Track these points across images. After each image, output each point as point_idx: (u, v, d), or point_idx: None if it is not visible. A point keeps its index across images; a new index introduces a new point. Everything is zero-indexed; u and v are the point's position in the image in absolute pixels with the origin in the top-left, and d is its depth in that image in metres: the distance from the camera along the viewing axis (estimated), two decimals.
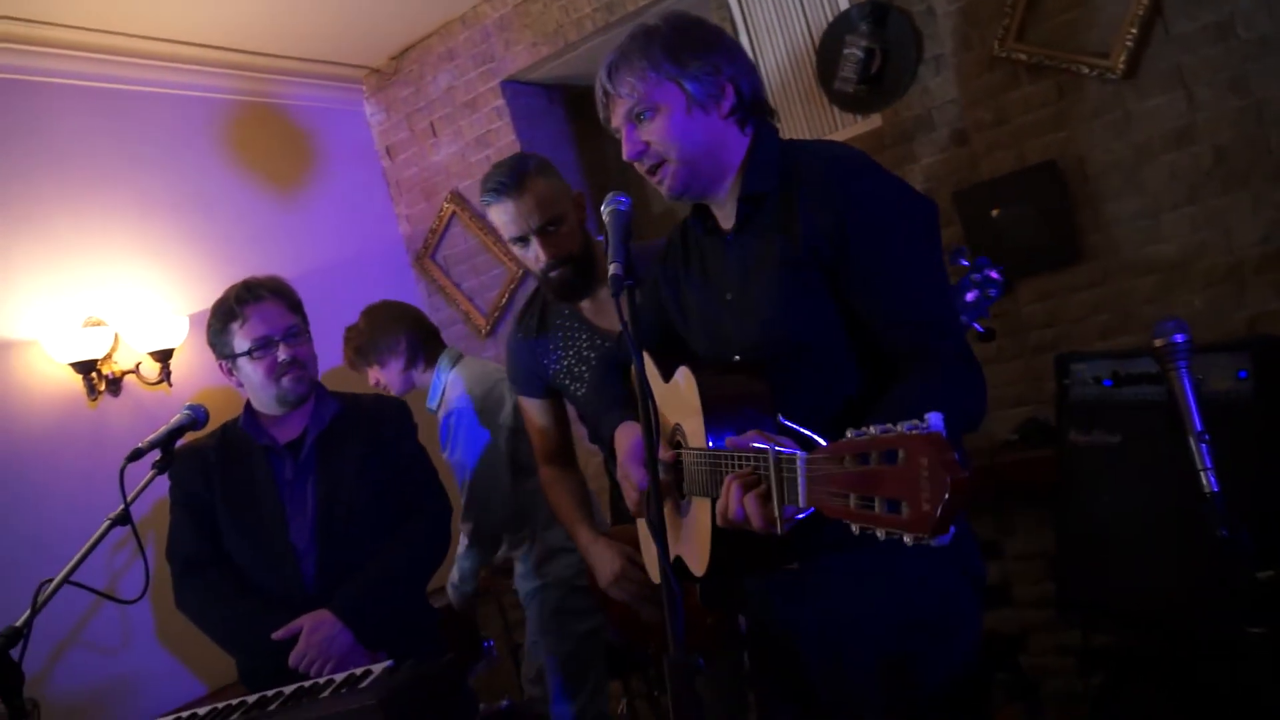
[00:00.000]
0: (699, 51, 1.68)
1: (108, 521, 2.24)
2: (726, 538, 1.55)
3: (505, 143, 4.77)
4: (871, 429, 1.12)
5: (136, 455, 2.35)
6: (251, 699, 2.15)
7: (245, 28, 4.34)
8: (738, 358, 1.73)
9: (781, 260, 1.66)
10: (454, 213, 4.99)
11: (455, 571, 3.41)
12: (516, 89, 4.82)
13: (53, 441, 3.57)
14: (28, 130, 3.78)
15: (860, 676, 1.70)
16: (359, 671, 2.10)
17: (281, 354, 2.49)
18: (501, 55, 4.72)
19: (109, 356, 3.78)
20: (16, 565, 3.22)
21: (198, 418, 2.51)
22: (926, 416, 1.06)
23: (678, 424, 1.74)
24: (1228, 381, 2.32)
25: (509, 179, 2.36)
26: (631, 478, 1.78)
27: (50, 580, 2.12)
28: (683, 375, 1.69)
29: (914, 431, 1.06)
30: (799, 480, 1.26)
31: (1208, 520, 1.80)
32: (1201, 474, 1.82)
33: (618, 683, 3.84)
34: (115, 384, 3.81)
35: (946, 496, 1.00)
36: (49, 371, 3.63)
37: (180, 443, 2.43)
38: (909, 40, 3.59)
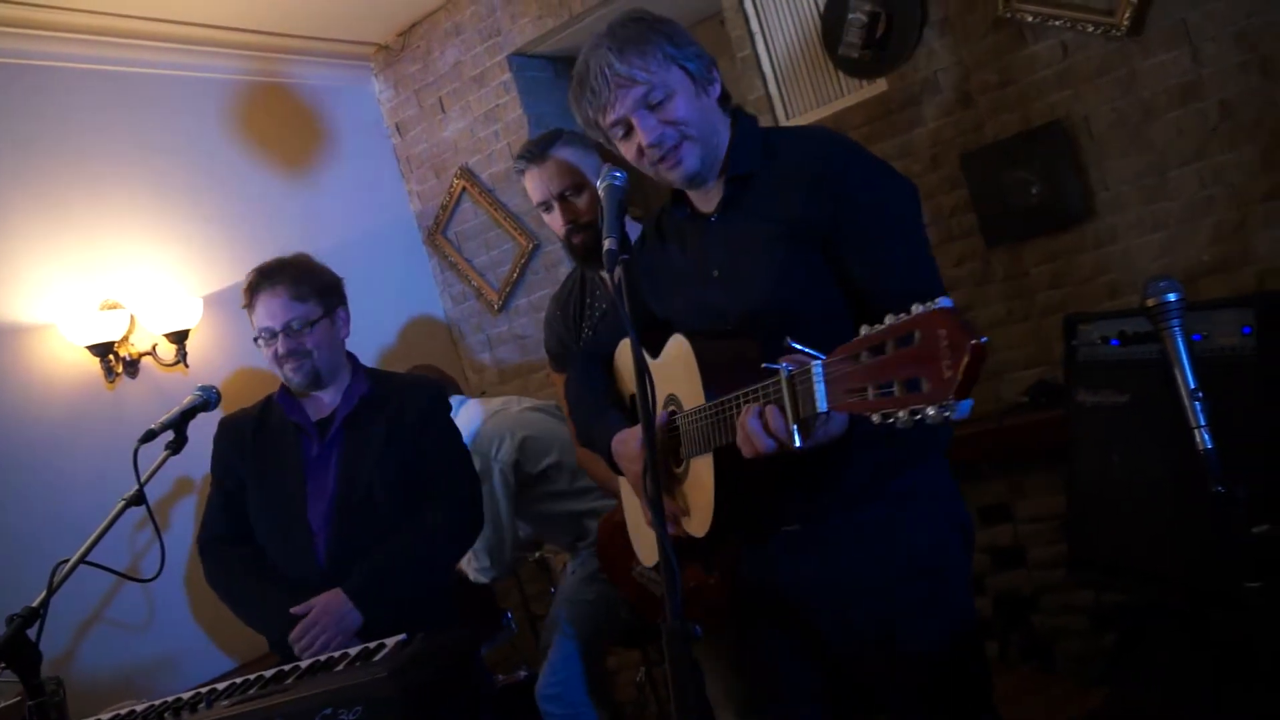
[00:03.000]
0: (685, 37, 1.74)
1: (122, 502, 2.29)
2: (731, 489, 1.60)
3: (513, 117, 4.77)
4: (886, 319, 1.19)
5: (150, 436, 2.40)
6: (269, 673, 2.19)
7: (253, 7, 4.35)
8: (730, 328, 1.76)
9: (776, 234, 1.71)
10: (464, 188, 5.00)
11: (472, 569, 3.44)
12: (523, 62, 4.81)
13: (71, 424, 3.63)
14: (41, 115, 3.82)
15: (869, 628, 1.74)
16: (373, 645, 2.14)
17: (279, 347, 2.53)
18: (508, 29, 4.71)
19: (125, 339, 3.84)
20: (39, 546, 3.29)
21: (209, 399, 2.56)
22: (936, 298, 1.12)
23: (671, 394, 1.76)
24: (1232, 337, 2.31)
25: (535, 148, 2.53)
26: (640, 488, 1.79)
27: (66, 561, 2.17)
28: (676, 343, 1.72)
29: (926, 310, 1.13)
30: (816, 385, 1.31)
31: (1205, 477, 1.80)
32: (1195, 431, 1.82)
33: (637, 651, 3.88)
34: (132, 366, 3.86)
35: (967, 359, 1.07)
36: (66, 355, 3.68)
37: (221, 413, 2.57)
38: (913, 3, 3.56)
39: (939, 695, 1.74)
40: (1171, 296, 1.84)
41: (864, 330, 1.22)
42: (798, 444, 1.39)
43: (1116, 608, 3.01)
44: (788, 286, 1.69)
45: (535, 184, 2.54)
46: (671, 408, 1.75)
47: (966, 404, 1.09)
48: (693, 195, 1.85)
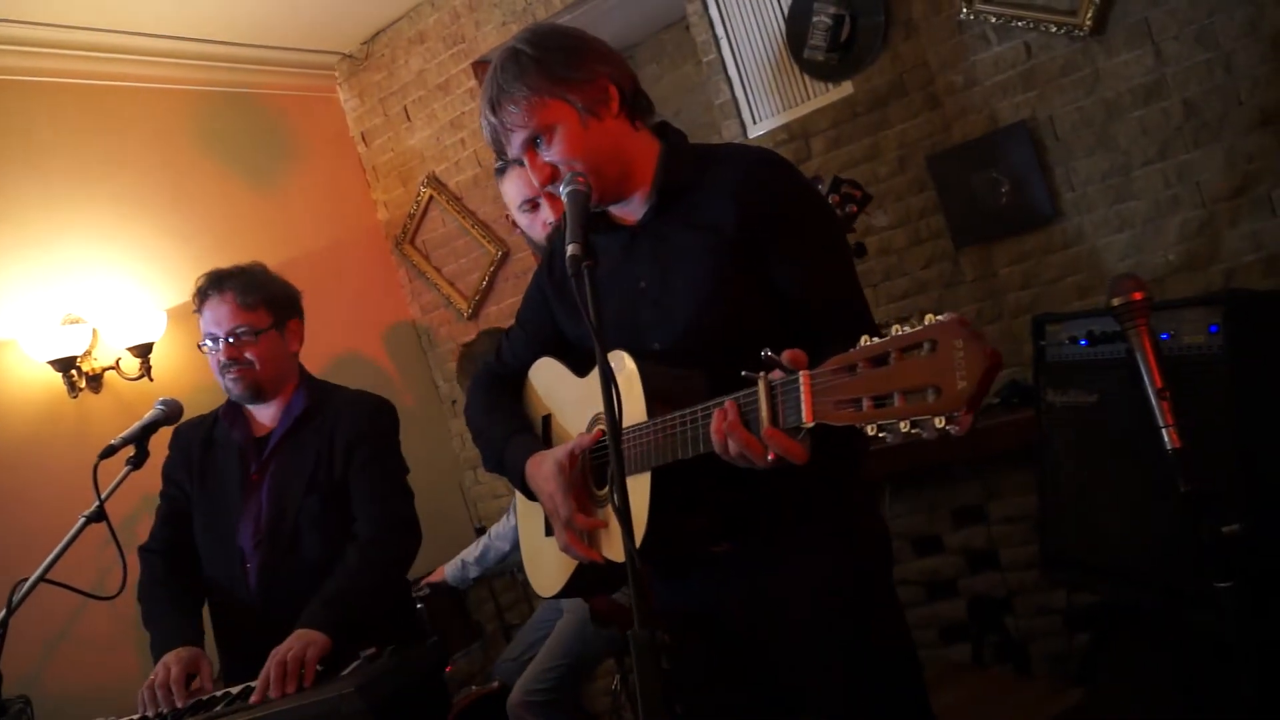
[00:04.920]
0: (571, 62, 1.67)
1: (82, 519, 2.25)
2: (667, 510, 1.56)
3: (479, 124, 4.72)
4: (893, 329, 1.17)
5: (110, 452, 2.36)
6: (236, 689, 2.16)
7: (216, 18, 4.31)
8: (657, 345, 1.71)
9: (707, 244, 1.67)
10: (431, 196, 4.97)
11: (456, 569, 3.42)
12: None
13: (34, 440, 3.58)
14: (4, 127, 3.76)
15: (795, 655, 1.71)
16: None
17: (222, 355, 2.46)
18: (472, 36, 4.69)
19: (88, 353, 3.79)
20: (2, 564, 3.21)
21: (171, 413, 2.52)
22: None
23: (598, 413, 1.71)
24: (1200, 336, 2.31)
25: None
26: (560, 510, 1.70)
27: (25, 579, 2.13)
28: (613, 359, 1.65)
29: (939, 321, 1.12)
30: (800, 396, 1.28)
31: (1173, 476, 1.80)
32: (1163, 431, 1.82)
33: (612, 660, 3.86)
34: (96, 380, 3.81)
35: (983, 370, 1.07)
36: (28, 370, 3.63)
37: (180, 422, 2.50)
38: (878, 5, 3.56)
39: (874, 708, 1.70)
40: (1136, 295, 1.83)
41: (864, 341, 1.20)
42: (771, 459, 1.35)
43: (1089, 607, 3.01)
44: (721, 298, 1.66)
45: (519, 183, 2.49)
46: (599, 428, 1.71)
47: (969, 422, 1.09)
48: (613, 210, 1.80)
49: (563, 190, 1.68)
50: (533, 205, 2.51)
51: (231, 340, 2.45)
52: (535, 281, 1.97)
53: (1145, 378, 1.83)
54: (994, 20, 3.28)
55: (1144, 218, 3.13)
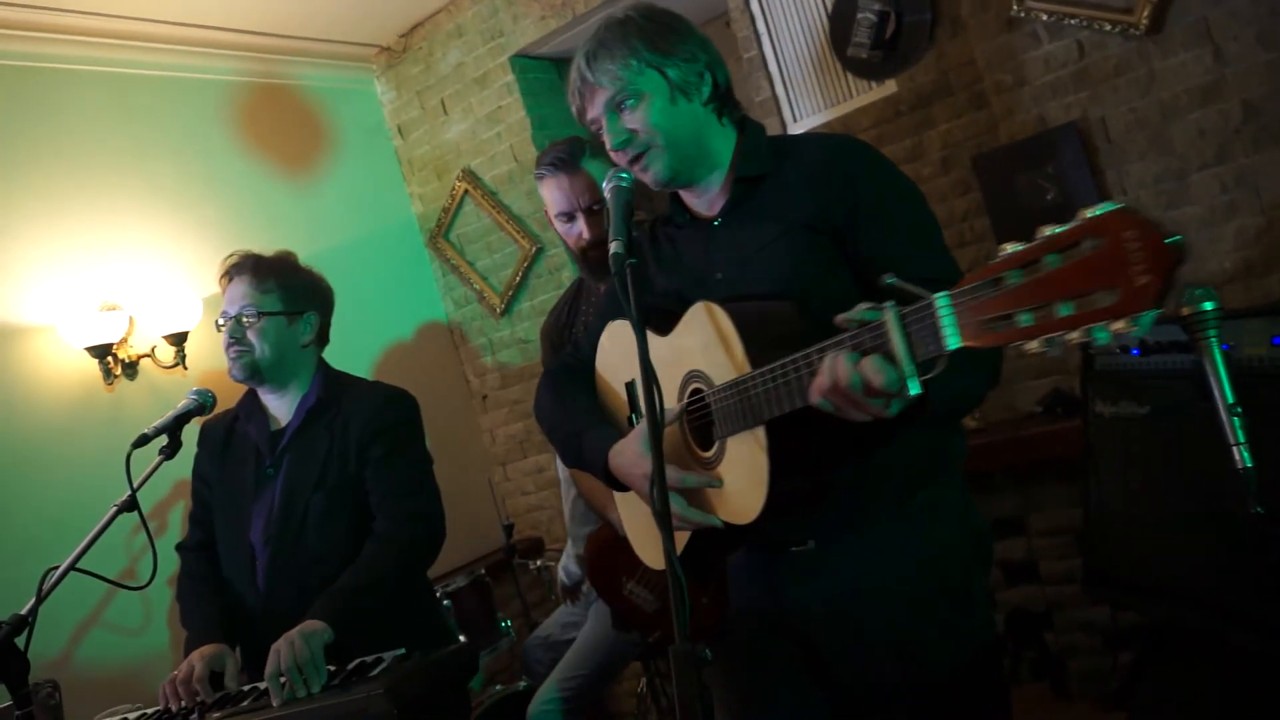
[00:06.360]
0: (677, 40, 1.70)
1: (114, 508, 2.24)
2: (788, 464, 1.49)
3: (516, 119, 4.70)
4: (1044, 230, 1.04)
5: (143, 441, 2.35)
6: (262, 685, 2.13)
7: (254, 9, 4.30)
8: None
9: (788, 231, 1.65)
10: (466, 191, 4.93)
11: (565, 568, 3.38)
12: (526, 64, 4.75)
13: (70, 427, 3.58)
14: (41, 117, 3.78)
15: (886, 651, 1.67)
16: (369, 659, 2.08)
17: (226, 334, 2.46)
18: (510, 30, 4.65)
19: (124, 340, 3.78)
20: (36, 549, 3.25)
21: (205, 402, 2.51)
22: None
23: (693, 371, 1.65)
24: (1262, 348, 2.23)
25: (567, 156, 2.49)
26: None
27: (56, 567, 2.12)
28: (699, 312, 1.61)
29: (1104, 212, 0.99)
30: (940, 320, 1.15)
31: (1241, 496, 1.72)
32: (1234, 449, 1.74)
33: (638, 662, 3.81)
34: (131, 368, 3.80)
35: (1169, 258, 0.95)
36: (65, 357, 3.63)
37: (209, 416, 2.50)
38: (924, 2, 3.49)
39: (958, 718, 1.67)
40: (1209, 305, 1.76)
41: (1006, 249, 1.07)
42: (914, 391, 1.22)
43: (1133, 626, 2.92)
44: (801, 277, 1.61)
45: (560, 193, 2.51)
46: (695, 385, 1.66)
47: (1152, 315, 0.96)
48: (693, 201, 1.80)
49: (606, 186, 1.67)
50: (569, 217, 2.52)
51: (237, 320, 2.45)
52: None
53: (1215, 392, 1.75)
54: (1045, 18, 3.19)
55: (1199, 224, 3.04)
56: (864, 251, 1.60)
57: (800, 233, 1.63)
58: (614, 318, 1.89)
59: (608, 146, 1.72)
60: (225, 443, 2.56)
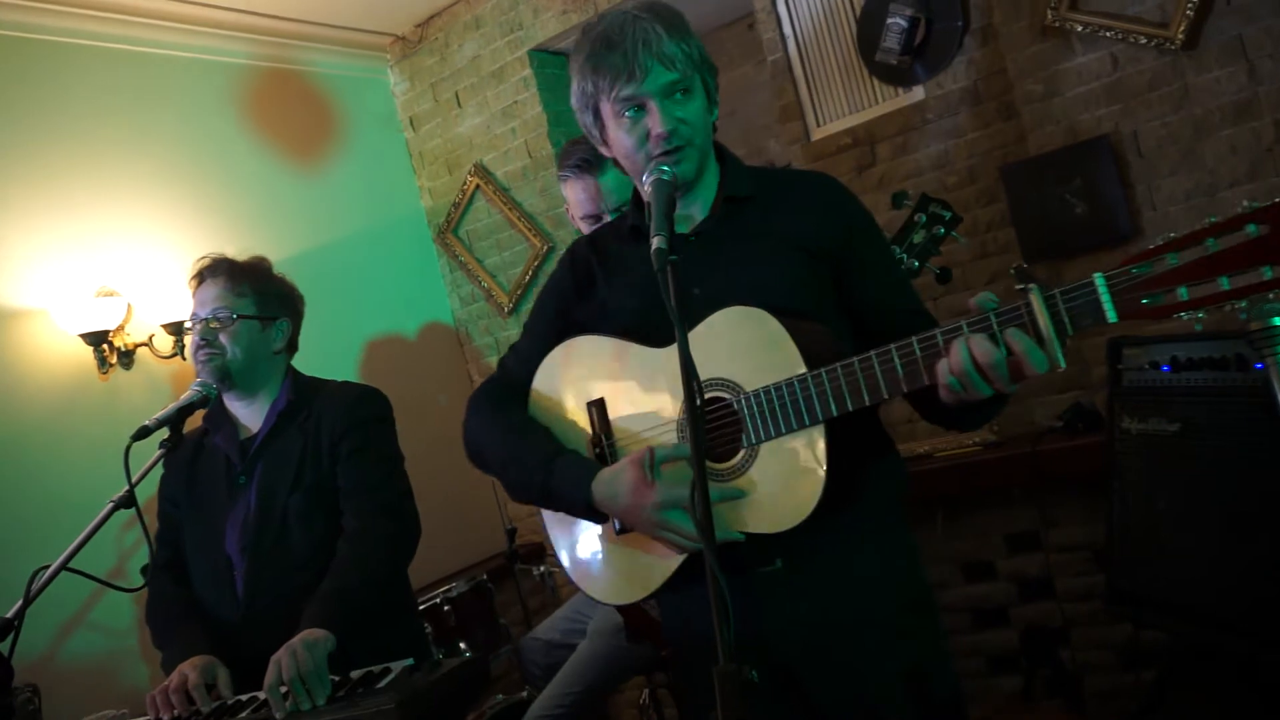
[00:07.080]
0: (709, 57, 1.75)
1: (110, 504, 2.17)
2: (846, 454, 1.52)
3: (532, 114, 4.63)
4: (1207, 221, 1.21)
5: (143, 434, 2.27)
6: (261, 695, 2.04)
7: None
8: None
9: (784, 248, 1.69)
10: (478, 186, 4.86)
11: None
12: (544, 59, 4.68)
13: (62, 415, 3.48)
14: (41, 92, 3.67)
15: (860, 667, 1.64)
16: (377, 669, 2.00)
17: (197, 335, 2.41)
18: (529, 23, 4.58)
19: (121, 328, 3.69)
20: (23, 543, 3.15)
21: (209, 394, 2.43)
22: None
23: (717, 378, 1.61)
24: None
25: (593, 158, 2.45)
26: (669, 523, 1.59)
27: (46, 567, 2.04)
28: (732, 316, 1.59)
29: (1266, 204, 1.17)
30: (1100, 298, 1.28)
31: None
32: None
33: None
34: (128, 356, 3.71)
35: None
36: (58, 343, 3.52)
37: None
38: (955, 9, 3.43)
39: None
40: (1278, 320, 1.70)
41: (1166, 236, 1.23)
42: (1064, 364, 1.34)
43: (1155, 645, 2.86)
44: (804, 292, 1.66)
45: (588, 195, 2.49)
46: (716, 392, 1.61)
47: None
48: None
49: (646, 179, 1.61)
50: (595, 219, 2.50)
51: (209, 322, 2.40)
52: (555, 288, 1.90)
53: None
54: (1080, 29, 3.13)
55: None
56: (856, 279, 1.70)
57: (794, 253, 1.68)
58: (553, 319, 1.86)
59: (657, 129, 1.62)
60: (193, 459, 2.49)
